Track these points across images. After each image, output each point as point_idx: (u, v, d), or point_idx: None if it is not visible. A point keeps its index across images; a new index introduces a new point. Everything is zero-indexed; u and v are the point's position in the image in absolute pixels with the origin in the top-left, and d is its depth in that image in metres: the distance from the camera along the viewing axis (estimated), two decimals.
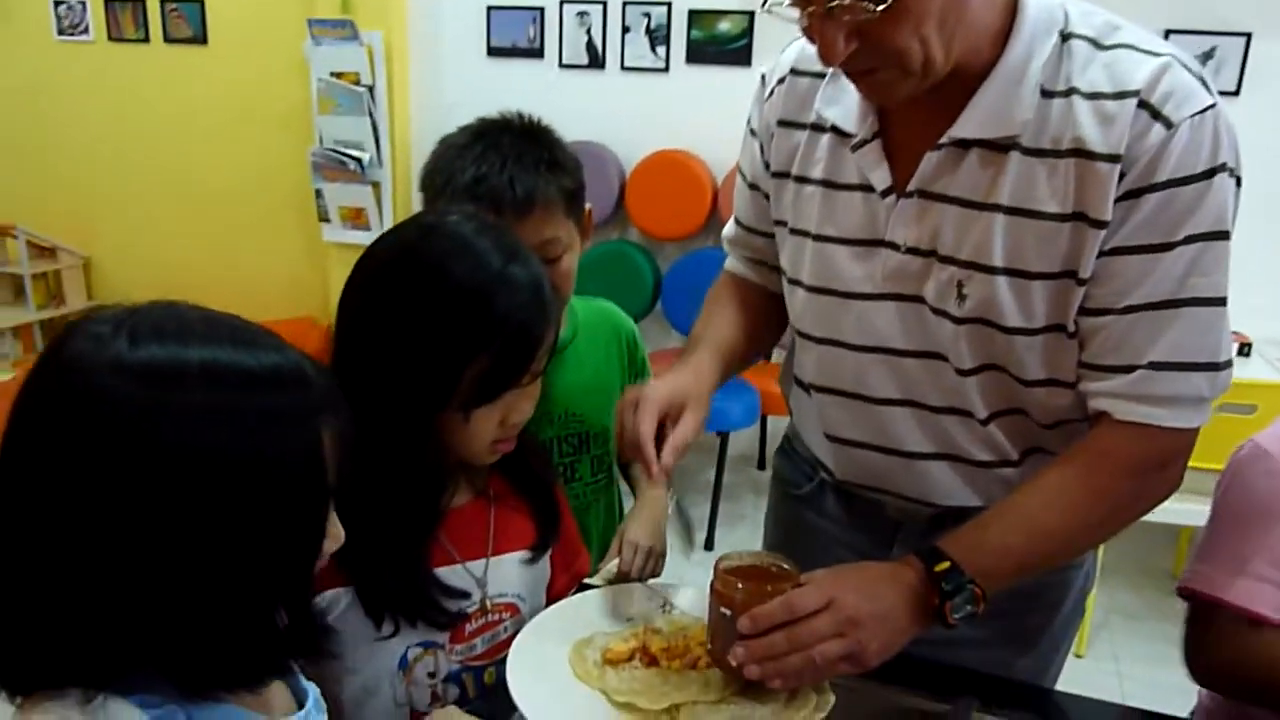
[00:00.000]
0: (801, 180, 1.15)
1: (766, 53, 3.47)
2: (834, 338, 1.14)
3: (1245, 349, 2.77)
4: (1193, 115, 0.92)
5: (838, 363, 1.15)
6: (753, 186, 1.24)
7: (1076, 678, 1.27)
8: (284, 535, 0.68)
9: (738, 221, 1.30)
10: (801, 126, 1.15)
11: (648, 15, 3.56)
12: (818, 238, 1.13)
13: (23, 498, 0.64)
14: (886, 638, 0.94)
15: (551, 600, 1.14)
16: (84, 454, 0.62)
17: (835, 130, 1.10)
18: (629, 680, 0.98)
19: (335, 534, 0.74)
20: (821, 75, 1.12)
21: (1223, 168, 0.94)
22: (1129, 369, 0.98)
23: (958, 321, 1.04)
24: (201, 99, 4.18)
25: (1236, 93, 3.03)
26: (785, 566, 0.99)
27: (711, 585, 0.97)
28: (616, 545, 1.30)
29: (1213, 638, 1.08)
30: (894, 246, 1.06)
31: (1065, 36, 0.98)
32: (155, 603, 0.64)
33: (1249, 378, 2.52)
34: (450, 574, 1.04)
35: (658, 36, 3.57)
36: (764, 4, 0.97)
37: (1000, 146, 0.99)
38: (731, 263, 1.34)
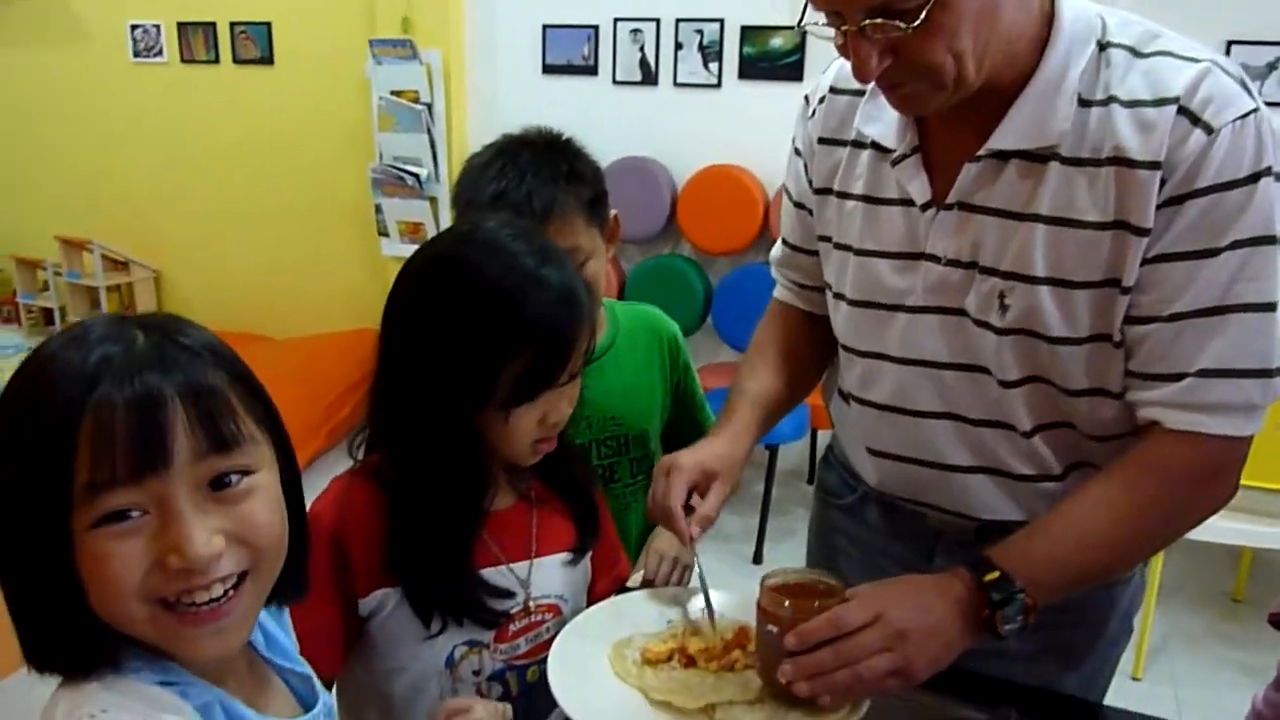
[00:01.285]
0: (844, 195, 1.16)
1: (818, 68, 3.44)
2: (877, 350, 1.15)
3: None
4: (1234, 120, 0.92)
5: (880, 375, 1.16)
6: (799, 205, 1.26)
7: (1134, 701, 1.24)
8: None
9: (785, 242, 1.32)
10: (842, 144, 1.16)
11: (700, 32, 3.60)
12: (860, 252, 1.14)
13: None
14: (935, 651, 0.94)
15: (592, 603, 1.17)
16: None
17: (875, 146, 1.12)
18: (667, 680, 0.99)
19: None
20: (860, 93, 1.14)
21: (1267, 171, 0.93)
22: (1178, 377, 0.97)
23: (1000, 333, 1.04)
24: (267, 118, 4.33)
25: None
26: (831, 583, 0.99)
27: (758, 602, 0.97)
28: (644, 557, 1.32)
29: None
30: (934, 259, 1.07)
31: (1103, 46, 0.98)
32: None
33: None
34: (495, 574, 1.07)
35: (710, 53, 3.60)
36: (799, 23, 0.99)
37: (1039, 157, 0.99)
38: (780, 290, 1.35)
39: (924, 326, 1.10)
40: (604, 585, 1.22)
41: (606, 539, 1.22)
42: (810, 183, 1.22)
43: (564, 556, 1.14)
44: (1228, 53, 2.91)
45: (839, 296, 1.19)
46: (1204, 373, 0.96)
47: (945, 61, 0.93)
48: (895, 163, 1.09)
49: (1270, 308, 0.95)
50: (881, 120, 1.10)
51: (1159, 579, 2.67)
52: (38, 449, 0.62)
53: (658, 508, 1.10)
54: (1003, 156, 1.01)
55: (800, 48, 3.49)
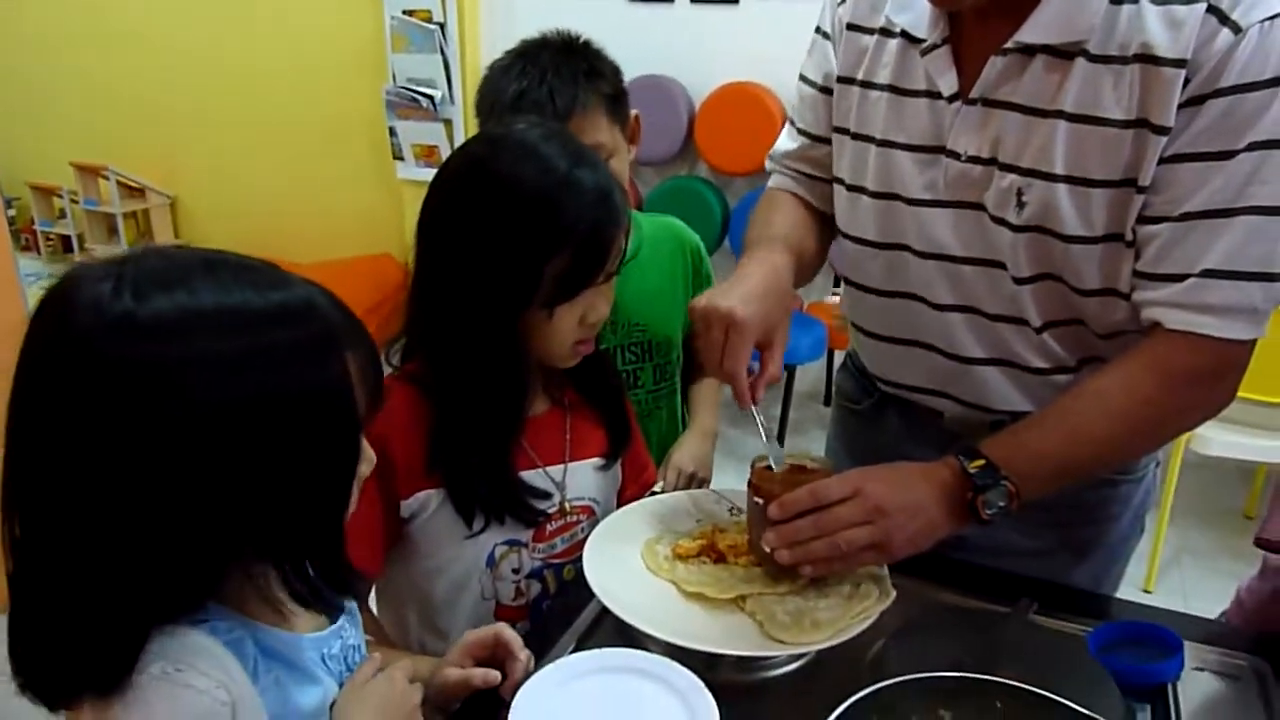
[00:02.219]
0: (867, 85, 1.16)
1: None
2: (899, 242, 1.16)
3: None
4: (1263, 20, 0.91)
5: (902, 268, 1.16)
6: (824, 89, 1.23)
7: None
8: (319, 468, 0.69)
9: (801, 132, 1.28)
10: (869, 31, 1.15)
11: None
12: (882, 143, 1.14)
13: (56, 469, 0.63)
14: (915, 528, 0.97)
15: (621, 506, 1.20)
16: (111, 421, 0.61)
17: (905, 35, 1.11)
18: (698, 573, 1.03)
19: (369, 457, 0.75)
20: None
21: None
22: (1182, 277, 0.98)
23: (1016, 229, 1.05)
24: (279, 41, 4.26)
25: None
26: (820, 463, 1.04)
27: (749, 479, 1.03)
28: (663, 470, 1.35)
29: None
30: (955, 155, 1.07)
31: None
32: (209, 544, 0.66)
33: None
34: (533, 477, 1.11)
35: None
36: None
37: (1066, 53, 0.99)
38: (780, 180, 1.32)
39: (943, 221, 1.11)
40: (632, 491, 1.25)
41: (635, 446, 1.25)
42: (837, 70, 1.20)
43: (597, 461, 1.17)
44: None
45: (857, 189, 1.18)
46: (1207, 273, 0.96)
47: None
48: (925, 52, 1.08)
49: (1279, 212, 0.95)
50: (913, 9, 1.09)
51: (1172, 496, 2.71)
52: None
53: (720, 369, 1.03)
54: (1029, 51, 1.01)
55: None
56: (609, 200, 1.02)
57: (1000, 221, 1.06)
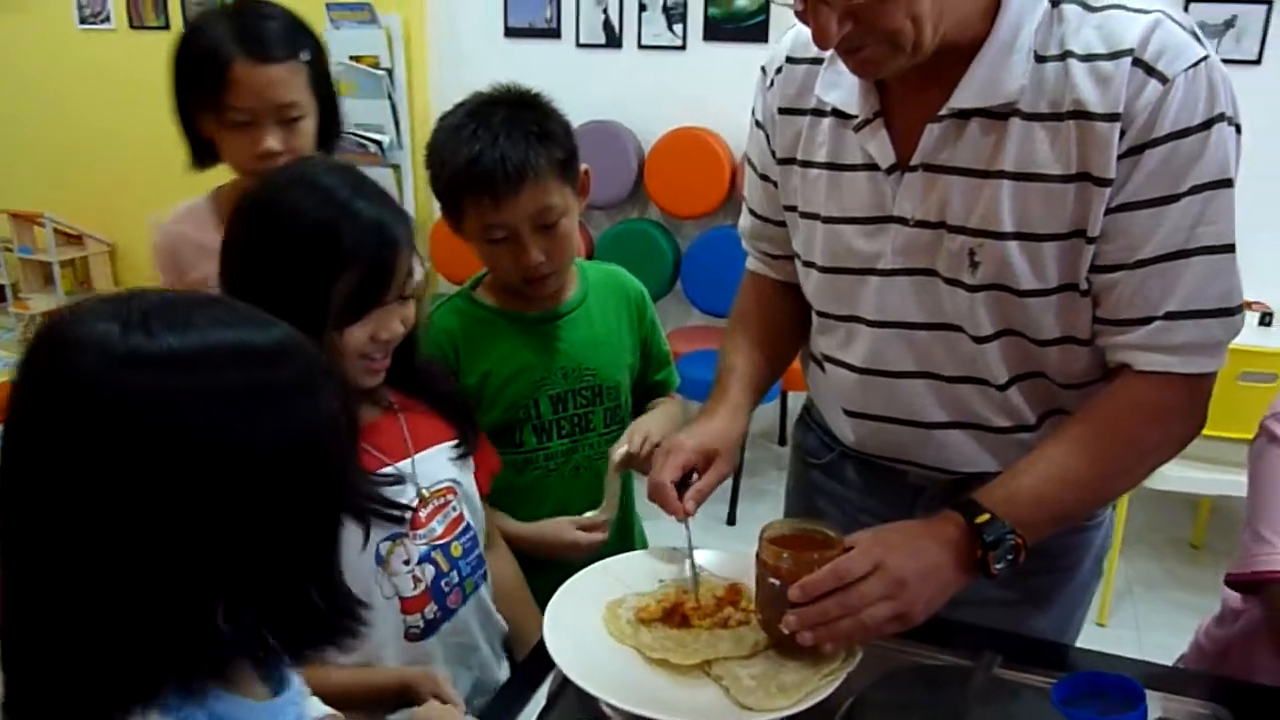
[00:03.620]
0: (807, 164, 1.17)
1: (783, 29, 3.46)
2: (852, 314, 1.17)
3: (1266, 318, 2.77)
4: (1187, 69, 0.94)
5: (856, 339, 1.17)
6: (763, 176, 1.26)
7: (1098, 645, 1.29)
8: (323, 497, 0.69)
9: (753, 214, 1.31)
10: (802, 112, 1.17)
11: None
12: (827, 219, 1.15)
13: (55, 511, 0.61)
14: (932, 593, 0.97)
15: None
16: (123, 456, 0.60)
17: (836, 113, 1.13)
18: (661, 638, 1.01)
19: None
20: (818, 61, 1.14)
21: (1220, 117, 0.96)
22: (1146, 320, 1.00)
23: (972, 290, 1.06)
24: None
25: (1258, 61, 3.01)
26: (828, 533, 1.01)
27: (757, 555, 0.99)
28: (629, 433, 1.34)
29: None
30: (902, 221, 1.09)
31: (1055, 3, 1.00)
32: (205, 587, 0.64)
33: (1270, 346, 2.52)
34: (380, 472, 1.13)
35: (675, 14, 3.57)
36: None
37: (999, 114, 1.01)
38: (752, 262, 1.36)
39: (896, 288, 1.12)
40: (482, 479, 1.28)
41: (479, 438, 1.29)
42: (773, 154, 1.22)
43: (446, 448, 1.21)
44: (1186, 9, 2.94)
45: (809, 264, 1.20)
46: (1170, 315, 0.99)
47: (904, 25, 0.94)
48: (858, 128, 1.10)
49: (1229, 249, 0.99)
50: (841, 87, 1.11)
51: (1123, 528, 2.75)
52: None
53: (652, 484, 1.12)
54: (964, 115, 1.03)
55: (765, 8, 3.47)
56: (386, 227, 1.06)
57: (955, 283, 1.07)
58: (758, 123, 1.25)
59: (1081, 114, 0.97)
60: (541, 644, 0.99)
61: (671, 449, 1.13)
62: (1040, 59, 0.99)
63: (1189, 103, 0.95)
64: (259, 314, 0.70)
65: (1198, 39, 0.97)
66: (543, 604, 1.06)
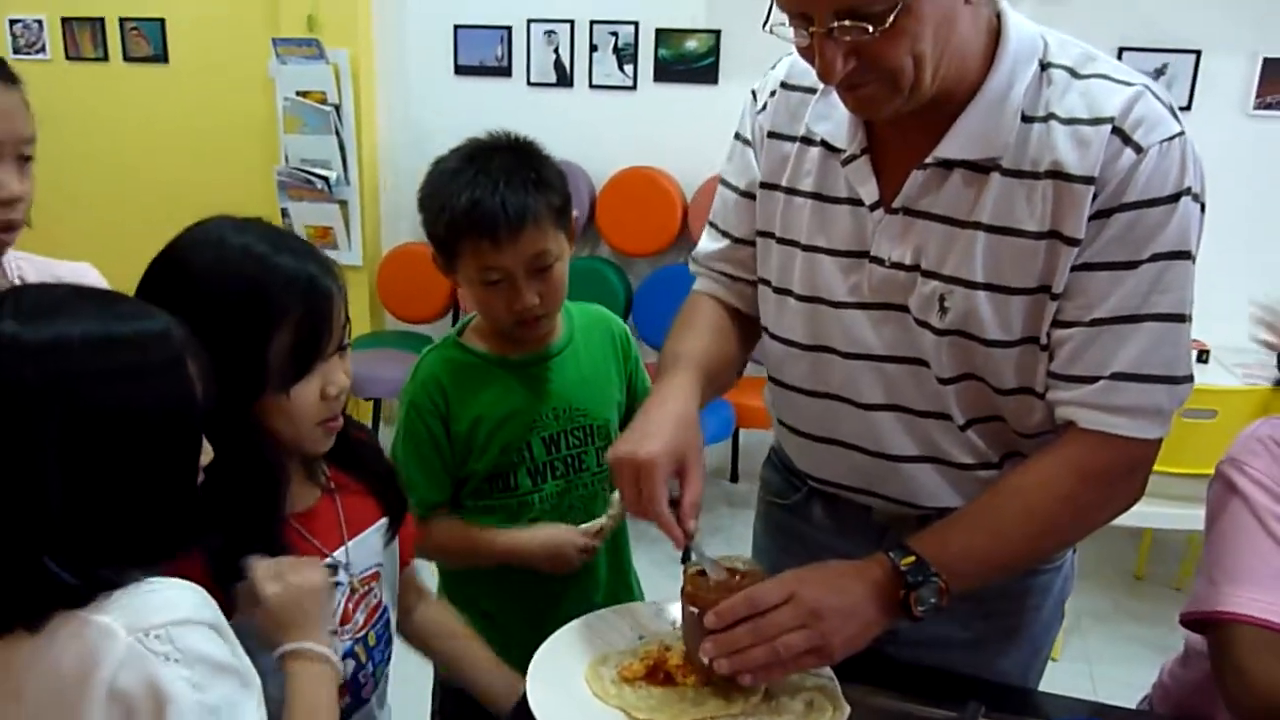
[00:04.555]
0: (791, 192, 1.18)
1: (732, 71, 3.52)
2: (824, 344, 1.17)
3: (1204, 355, 2.86)
4: (1161, 141, 0.98)
5: (828, 369, 1.18)
6: (746, 194, 1.24)
7: (1052, 680, 1.32)
8: (176, 450, 0.84)
9: (724, 235, 1.29)
10: (791, 139, 1.18)
11: (615, 34, 3.60)
12: (807, 248, 1.16)
13: None
14: (851, 630, 0.98)
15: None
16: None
17: (825, 145, 1.14)
18: (646, 697, 0.99)
19: (206, 449, 0.89)
20: (811, 90, 1.16)
21: (1187, 192, 0.99)
22: (1093, 379, 1.02)
23: (939, 333, 1.08)
24: (164, 118, 4.14)
25: (1188, 107, 3.14)
26: (751, 566, 1.04)
27: (682, 588, 1.01)
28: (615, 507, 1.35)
29: (1261, 660, 1.02)
30: (879, 261, 1.10)
31: (1045, 65, 1.03)
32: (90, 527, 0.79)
33: (1208, 384, 2.60)
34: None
35: (625, 55, 3.61)
36: (765, 24, 1.00)
37: (982, 167, 1.03)
38: (703, 284, 1.33)
39: (869, 322, 1.13)
40: (405, 547, 1.24)
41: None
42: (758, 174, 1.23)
43: (375, 529, 1.16)
44: (1119, 57, 3.06)
45: (783, 292, 1.20)
46: (1117, 376, 1.01)
47: (906, 65, 0.96)
48: (845, 162, 1.11)
49: (1181, 319, 1.01)
50: (832, 119, 1.12)
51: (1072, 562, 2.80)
52: None
53: (645, 514, 1.05)
54: (948, 165, 1.05)
55: (715, 50, 3.52)
56: (315, 279, 1.01)
57: (924, 324, 1.09)
58: (745, 141, 1.24)
59: (1059, 174, 1.00)
60: (524, 703, 0.97)
61: (640, 471, 1.03)
62: (1026, 119, 1.02)
63: (1159, 174, 0.98)
64: (132, 305, 0.86)
65: (1175, 116, 1.00)
66: (531, 624, 1.05)
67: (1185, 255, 1.00)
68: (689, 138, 3.55)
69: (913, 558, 1.00)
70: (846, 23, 0.93)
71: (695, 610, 0.97)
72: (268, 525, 1.02)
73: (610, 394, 1.46)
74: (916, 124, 1.03)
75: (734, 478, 3.85)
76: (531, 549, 1.35)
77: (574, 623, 1.12)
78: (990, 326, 1.05)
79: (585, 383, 1.42)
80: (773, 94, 1.20)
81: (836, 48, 0.95)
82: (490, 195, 1.23)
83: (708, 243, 1.32)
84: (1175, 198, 0.98)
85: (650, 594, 1.14)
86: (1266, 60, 3.07)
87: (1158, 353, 1.01)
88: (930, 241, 1.06)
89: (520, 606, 1.39)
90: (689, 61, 3.56)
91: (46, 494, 0.77)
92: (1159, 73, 3.13)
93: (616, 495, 1.34)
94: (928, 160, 1.05)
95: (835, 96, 1.07)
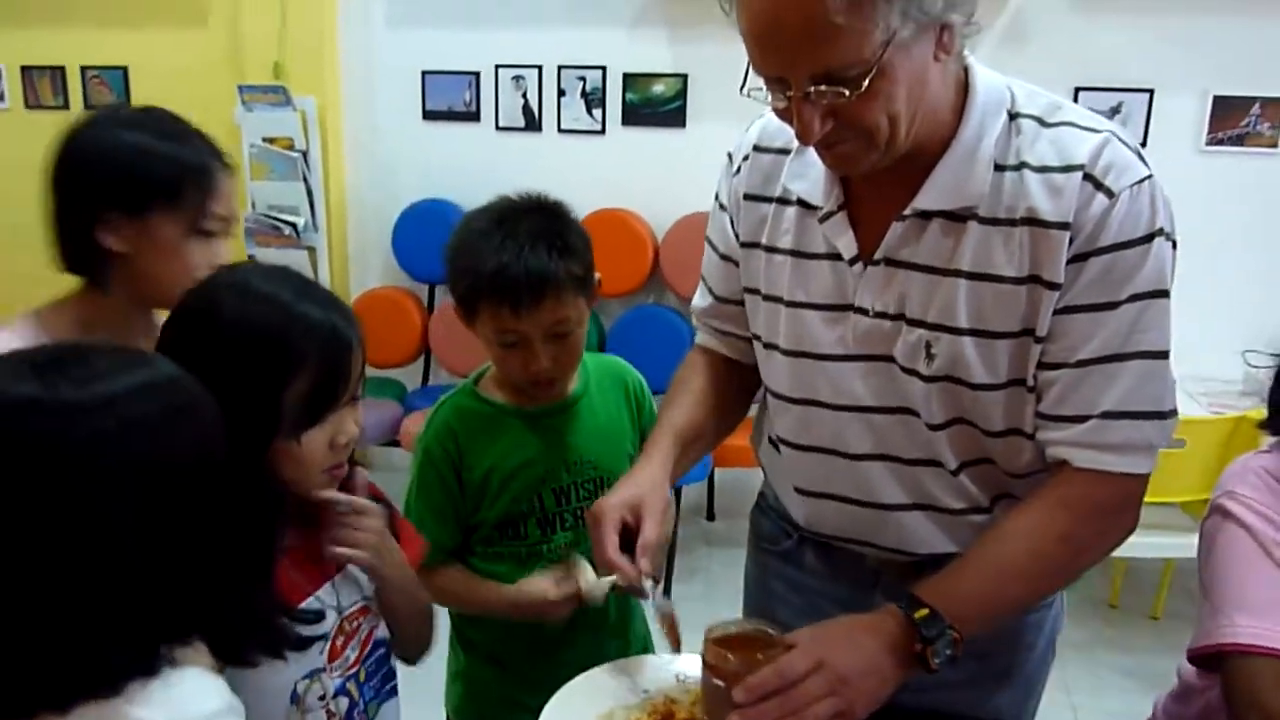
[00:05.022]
0: (771, 250, 1.21)
1: (700, 114, 3.57)
2: (811, 398, 1.19)
3: None
4: (1131, 185, 1.01)
5: (815, 421, 1.19)
6: (725, 257, 1.29)
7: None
8: (210, 502, 0.81)
9: (711, 294, 1.34)
10: (768, 200, 1.21)
11: (583, 79, 3.63)
12: (790, 304, 1.18)
13: None
14: (873, 689, 0.98)
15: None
16: (21, 498, 0.71)
17: (801, 203, 1.17)
18: None
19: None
20: (784, 151, 1.19)
21: (1160, 232, 1.03)
22: (1083, 419, 1.05)
23: (927, 380, 1.09)
24: None
25: (1144, 144, 3.22)
26: (771, 632, 1.02)
27: (702, 656, 1.00)
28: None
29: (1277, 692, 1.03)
30: (863, 311, 1.12)
31: (1013, 115, 1.06)
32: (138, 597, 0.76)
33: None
34: (308, 604, 1.08)
35: (593, 99, 3.64)
36: (742, 89, 1.03)
37: (959, 216, 1.06)
38: (702, 338, 1.38)
39: (855, 373, 1.15)
40: (413, 551, 1.24)
41: (398, 521, 1.24)
42: (737, 236, 1.26)
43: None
44: (1075, 97, 3.14)
45: (771, 347, 1.23)
46: (1106, 414, 1.04)
47: (882, 123, 0.99)
48: (823, 219, 1.14)
49: (1163, 355, 1.05)
50: (807, 178, 1.15)
51: None
52: None
53: (602, 563, 1.11)
54: (926, 216, 1.08)
55: (682, 94, 3.57)
56: (337, 330, 1.04)
57: (911, 372, 1.11)
58: (722, 205, 1.28)
59: (1035, 221, 1.03)
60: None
61: (597, 518, 1.11)
62: (999, 168, 1.05)
63: (1132, 217, 1.01)
64: (140, 355, 0.84)
65: (1142, 159, 1.04)
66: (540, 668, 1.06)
67: (1163, 294, 1.04)
68: (659, 180, 3.59)
69: (925, 610, 1.00)
70: (823, 87, 0.96)
71: (720, 683, 0.96)
72: (262, 564, 1.01)
73: (623, 446, 1.47)
74: (892, 178, 1.06)
75: (710, 516, 3.85)
76: (520, 604, 1.35)
77: (578, 679, 1.11)
78: (977, 370, 1.07)
79: (598, 435, 1.43)
80: (746, 157, 1.24)
81: (814, 110, 0.98)
82: (515, 261, 1.25)
83: (700, 298, 1.36)
84: (1149, 238, 1.02)
85: (688, 628, 1.13)
86: (1217, 98, 3.18)
87: (1144, 389, 1.04)
88: (913, 290, 1.09)
89: (528, 650, 1.38)
90: (656, 105, 3.60)
91: (110, 559, 0.74)
92: (1114, 111, 3.22)
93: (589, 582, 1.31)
94: (906, 212, 1.07)
95: (810, 156, 1.11)
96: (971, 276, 1.06)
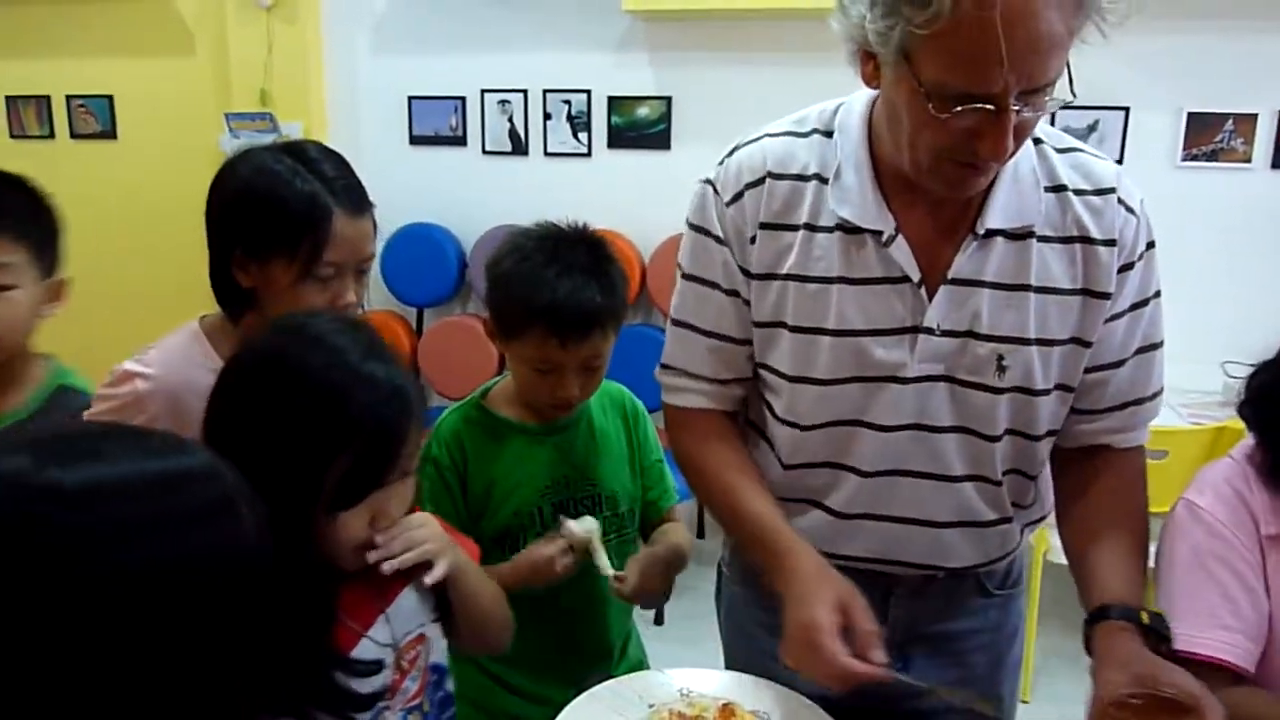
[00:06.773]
0: (802, 279, 1.17)
1: (684, 136, 3.61)
2: (862, 419, 1.18)
3: None
4: (1139, 201, 1.19)
5: (863, 443, 1.19)
6: (731, 292, 1.22)
7: None
8: (234, 607, 0.68)
9: (710, 334, 1.24)
10: (792, 228, 1.17)
11: (568, 102, 3.67)
12: (838, 332, 1.16)
13: None
14: None
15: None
16: (40, 592, 0.59)
17: (844, 229, 1.15)
18: None
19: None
20: (802, 177, 1.17)
21: (1153, 241, 1.20)
22: (1122, 407, 1.22)
23: (998, 392, 1.16)
24: (113, 194, 4.10)
25: (1120, 160, 3.29)
26: (1170, 692, 0.97)
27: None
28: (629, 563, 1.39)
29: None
30: (930, 331, 1.15)
31: (1035, 140, 1.15)
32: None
33: (1158, 425, 2.66)
34: (361, 650, 1.03)
35: (579, 123, 3.68)
36: (928, 103, 0.99)
37: (1020, 235, 1.14)
38: (689, 399, 1.27)
39: (916, 394, 1.17)
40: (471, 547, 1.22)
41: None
42: (742, 269, 1.20)
43: (411, 586, 1.10)
44: (1052, 119, 3.19)
45: (800, 379, 1.19)
46: (1139, 400, 1.23)
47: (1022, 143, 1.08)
48: (886, 243, 1.13)
49: (1163, 342, 1.24)
50: (852, 203, 1.14)
51: (1038, 602, 2.85)
52: None
53: (838, 678, 1.04)
54: (990, 235, 1.14)
55: (667, 116, 3.61)
56: (401, 394, 0.98)
57: (978, 386, 1.16)
58: (718, 239, 1.20)
59: (1085, 239, 1.15)
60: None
61: (814, 636, 1.04)
62: (1047, 189, 1.14)
63: (1144, 229, 1.18)
64: (171, 440, 0.70)
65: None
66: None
67: (1159, 292, 1.22)
68: (644, 201, 3.62)
69: (1144, 612, 1.09)
70: (1030, 97, 0.98)
71: None
72: (321, 637, 0.97)
73: (621, 466, 1.51)
74: (950, 201, 1.12)
75: (700, 534, 3.85)
76: (519, 566, 1.36)
77: (581, 696, 1.13)
78: (1039, 378, 1.16)
79: (598, 453, 1.48)
80: (751, 185, 1.18)
81: (1007, 125, 0.98)
82: (570, 298, 1.31)
83: (688, 347, 1.25)
84: (1151, 245, 1.20)
85: (681, 644, 1.14)
86: (1190, 115, 3.25)
87: (1156, 375, 1.23)
88: (985, 306, 1.15)
89: (527, 663, 1.40)
90: (641, 128, 3.64)
91: (100, 664, 0.61)
92: (1091, 129, 3.28)
93: (572, 523, 1.36)
94: (979, 231, 1.13)
95: (849, 180, 1.13)
96: (1038, 290, 1.15)
